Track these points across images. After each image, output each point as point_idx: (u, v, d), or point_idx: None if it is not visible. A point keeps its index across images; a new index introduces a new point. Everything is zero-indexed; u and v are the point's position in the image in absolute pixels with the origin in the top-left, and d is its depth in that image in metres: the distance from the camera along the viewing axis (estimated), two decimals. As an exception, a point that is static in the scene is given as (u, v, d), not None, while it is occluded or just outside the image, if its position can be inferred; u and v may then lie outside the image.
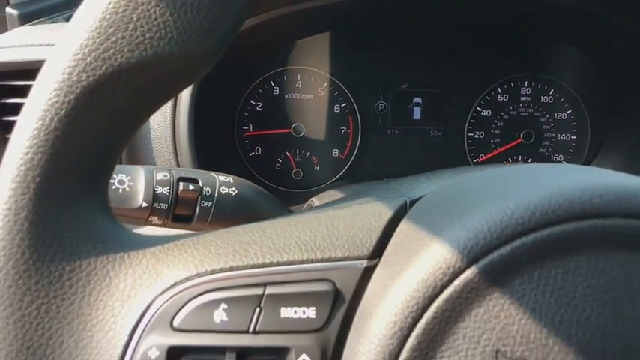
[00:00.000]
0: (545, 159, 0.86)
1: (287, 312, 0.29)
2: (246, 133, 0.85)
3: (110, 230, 0.31)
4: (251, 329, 0.29)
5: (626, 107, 0.79)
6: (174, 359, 0.29)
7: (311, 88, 0.85)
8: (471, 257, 0.27)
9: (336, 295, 0.30)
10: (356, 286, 0.30)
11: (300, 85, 0.84)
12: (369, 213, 0.34)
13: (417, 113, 0.86)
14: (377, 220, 0.32)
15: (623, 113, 0.80)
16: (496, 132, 0.87)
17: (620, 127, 0.81)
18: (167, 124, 0.67)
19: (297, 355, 0.29)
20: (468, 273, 0.27)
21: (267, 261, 0.30)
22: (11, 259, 0.28)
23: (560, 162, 0.86)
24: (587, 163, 0.85)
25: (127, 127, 0.31)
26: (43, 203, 0.28)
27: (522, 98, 0.86)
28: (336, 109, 0.85)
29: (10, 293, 0.28)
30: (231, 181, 0.49)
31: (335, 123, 0.85)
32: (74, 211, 0.29)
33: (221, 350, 0.29)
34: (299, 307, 0.29)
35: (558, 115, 0.86)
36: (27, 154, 0.28)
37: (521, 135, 0.85)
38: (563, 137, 0.86)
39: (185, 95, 0.66)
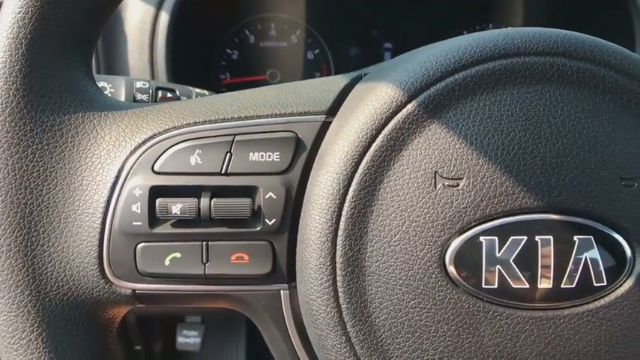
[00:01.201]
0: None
1: (254, 156, 0.33)
2: (224, 81, 0.88)
3: (96, 94, 0.35)
4: (223, 171, 0.33)
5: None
6: (156, 198, 0.33)
7: (285, 36, 0.88)
8: (411, 93, 0.32)
9: (298, 143, 0.34)
10: (315, 136, 0.34)
11: (274, 33, 0.88)
12: (329, 80, 0.38)
13: (387, 58, 0.90)
14: (335, 84, 0.36)
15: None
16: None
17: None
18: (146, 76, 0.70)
19: (265, 194, 0.33)
20: (409, 107, 0.31)
21: (237, 116, 0.34)
22: (7, 107, 0.31)
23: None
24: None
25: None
26: (34, 59, 0.32)
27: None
28: (310, 55, 0.89)
29: (7, 138, 0.31)
30: (207, 93, 0.53)
31: (309, 69, 0.89)
32: (63, 71, 0.33)
33: (197, 190, 0.33)
34: (265, 152, 0.33)
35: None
36: (19, 12, 0.31)
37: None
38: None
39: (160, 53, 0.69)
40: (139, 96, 0.49)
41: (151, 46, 0.68)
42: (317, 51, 0.89)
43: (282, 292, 0.34)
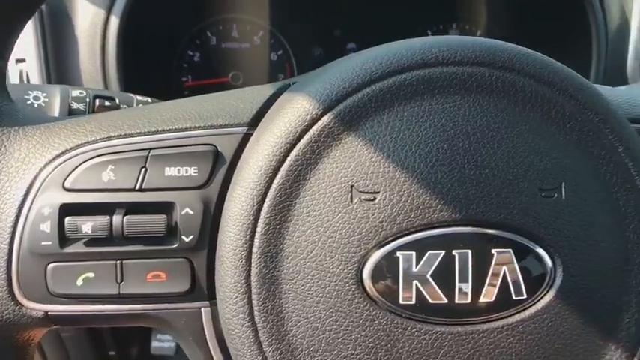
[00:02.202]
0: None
1: (171, 171, 0.32)
2: (186, 84, 0.87)
3: (6, 107, 0.33)
4: (137, 187, 0.32)
5: (546, 44, 0.84)
6: (66, 216, 0.32)
7: (247, 37, 0.87)
8: (326, 105, 0.31)
9: (217, 156, 0.33)
10: (236, 149, 0.33)
11: (236, 35, 0.87)
12: (255, 90, 0.37)
13: (351, 58, 0.90)
14: (259, 95, 0.35)
15: (542, 50, 0.84)
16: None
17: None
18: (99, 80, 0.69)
19: (182, 209, 0.32)
20: (325, 119, 0.31)
21: (153, 129, 0.33)
22: None
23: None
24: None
25: (22, 9, 0.33)
26: None
27: (451, 40, 0.90)
28: (273, 56, 0.88)
29: None
30: (150, 100, 0.52)
31: (273, 70, 0.88)
32: None
33: (110, 207, 0.32)
34: (182, 166, 0.33)
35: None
36: None
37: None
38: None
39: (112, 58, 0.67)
40: (75, 105, 0.47)
41: (102, 52, 0.67)
42: (280, 52, 0.88)
43: (203, 309, 0.33)
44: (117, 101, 0.49)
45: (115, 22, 0.66)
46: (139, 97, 0.51)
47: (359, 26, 0.89)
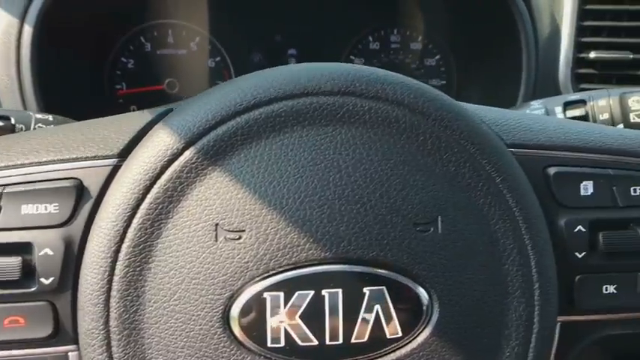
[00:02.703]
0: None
1: (28, 209, 0.30)
2: (120, 92, 0.84)
3: None
4: (-9, 227, 0.30)
5: (481, 50, 0.83)
6: None
7: (183, 43, 0.85)
8: (188, 139, 0.29)
9: (81, 191, 0.31)
10: (103, 183, 0.31)
11: (171, 41, 0.84)
12: (131, 117, 0.35)
13: (292, 64, 0.88)
14: (133, 123, 0.34)
15: (478, 56, 0.84)
16: (370, 80, 0.89)
17: (480, 67, 0.85)
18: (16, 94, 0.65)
19: (40, 250, 0.30)
20: (187, 154, 0.29)
21: (9, 164, 0.31)
22: None
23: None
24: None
25: None
26: None
27: (393, 46, 0.89)
28: (211, 63, 0.86)
29: None
30: (50, 119, 0.49)
31: (210, 77, 0.86)
32: None
33: None
34: (40, 203, 0.30)
35: (428, 61, 0.90)
36: None
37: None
38: (434, 82, 0.90)
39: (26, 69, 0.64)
40: (-36, 127, 0.45)
41: (17, 64, 0.64)
42: (218, 58, 0.86)
43: (70, 354, 0.31)
44: (12, 121, 0.47)
45: (28, 31, 0.63)
46: (39, 116, 0.49)
47: (300, 31, 0.87)
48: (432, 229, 0.30)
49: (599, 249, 0.33)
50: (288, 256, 0.29)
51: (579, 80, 0.77)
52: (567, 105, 0.53)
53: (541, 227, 0.31)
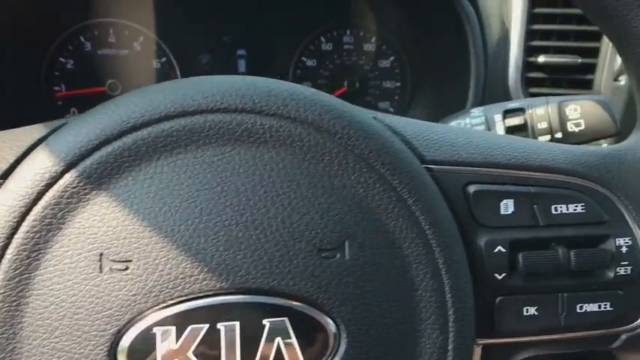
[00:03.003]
0: (372, 106, 0.88)
1: None
2: (59, 94, 0.80)
3: None
4: None
5: (432, 53, 0.82)
6: None
7: (126, 43, 0.81)
8: (69, 160, 0.27)
9: None
10: None
11: (113, 40, 0.81)
12: (21, 133, 0.32)
13: (242, 65, 0.85)
14: (22, 139, 0.31)
15: (431, 58, 0.83)
16: (322, 82, 0.87)
17: (430, 70, 0.84)
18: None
19: None
20: (67, 177, 0.26)
21: None
22: None
23: (387, 109, 0.89)
24: (408, 107, 0.88)
25: None
26: None
27: (346, 47, 0.87)
28: (156, 64, 0.83)
29: None
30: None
31: (155, 79, 0.83)
32: None
33: None
34: None
35: (381, 62, 0.88)
36: None
37: (345, 84, 0.87)
38: (388, 84, 0.89)
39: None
40: None
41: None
42: (163, 59, 0.83)
43: None
44: None
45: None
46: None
47: (250, 32, 0.84)
48: (338, 255, 0.28)
49: (519, 270, 0.32)
50: (179, 288, 0.27)
51: (529, 84, 0.76)
52: (507, 113, 0.51)
53: (456, 250, 0.30)
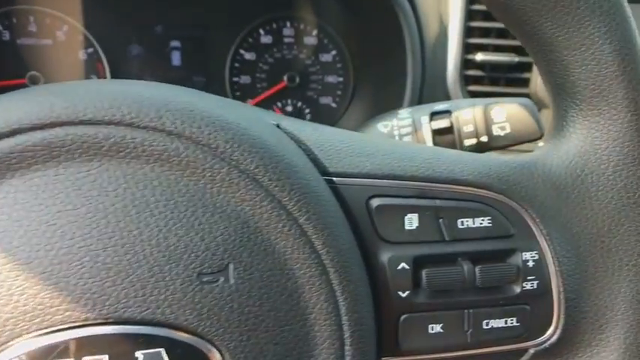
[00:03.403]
0: (313, 102, 0.86)
1: None
2: (-26, 86, 0.75)
3: None
4: None
5: (372, 49, 0.80)
6: None
7: (49, 33, 0.76)
8: None
9: None
10: None
11: (34, 29, 0.75)
12: None
13: (176, 58, 0.81)
14: None
15: (372, 53, 0.81)
16: (262, 76, 0.85)
17: (371, 66, 0.82)
18: None
19: None
20: None
21: None
22: None
23: (330, 105, 0.87)
24: (350, 102, 0.86)
25: None
26: None
27: (286, 40, 0.84)
28: (82, 55, 0.78)
29: None
30: None
31: (81, 71, 0.78)
32: None
33: None
34: None
35: (323, 56, 0.86)
36: None
37: (285, 78, 0.84)
38: (330, 79, 0.86)
39: None
40: None
41: None
42: (90, 50, 0.78)
43: None
44: None
45: None
46: None
47: (184, 22, 0.81)
48: (221, 279, 0.26)
49: (423, 287, 0.31)
50: (38, 320, 0.24)
51: (468, 82, 0.76)
52: (434, 115, 0.50)
53: (354, 270, 0.28)
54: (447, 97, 0.75)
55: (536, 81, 0.74)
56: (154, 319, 0.25)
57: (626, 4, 0.32)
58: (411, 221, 0.31)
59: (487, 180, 0.32)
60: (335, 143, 0.32)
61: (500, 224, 0.32)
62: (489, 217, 0.32)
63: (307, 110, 0.86)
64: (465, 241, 0.31)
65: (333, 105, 0.87)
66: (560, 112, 0.35)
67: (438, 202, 0.31)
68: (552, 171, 0.33)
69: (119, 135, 0.25)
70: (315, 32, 0.85)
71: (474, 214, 0.31)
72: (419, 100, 0.73)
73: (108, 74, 0.78)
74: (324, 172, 0.30)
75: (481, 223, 0.31)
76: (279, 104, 0.86)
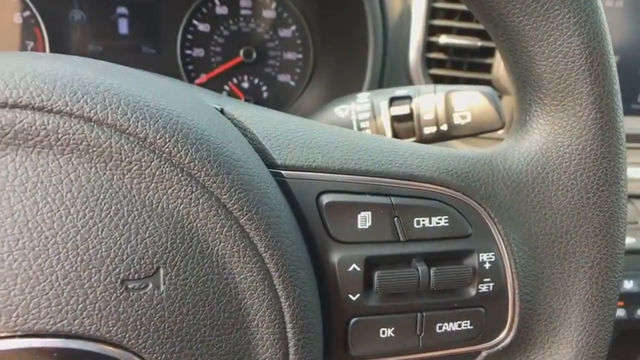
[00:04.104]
0: (271, 79, 0.83)
1: None
2: None
3: None
4: None
5: (333, 27, 0.77)
6: None
7: (-23, -9, 0.69)
8: None
9: None
10: None
11: (-40, -13, 0.68)
12: None
13: (123, 26, 0.76)
14: None
15: (333, 31, 0.78)
16: (217, 49, 0.80)
17: (332, 44, 0.79)
18: None
19: None
20: None
21: None
22: None
23: (288, 82, 0.83)
24: (309, 81, 0.83)
25: None
26: None
27: (243, 12, 0.80)
28: (17, 18, 0.71)
29: None
30: None
31: (16, 36, 0.71)
32: None
33: None
34: None
35: (282, 31, 0.82)
36: None
37: (242, 52, 0.80)
38: (289, 56, 0.83)
39: None
40: None
41: None
42: (27, 13, 0.71)
43: None
44: None
45: None
46: None
47: (132, -13, 0.75)
48: (150, 285, 0.23)
49: (375, 289, 0.29)
50: None
51: (430, 65, 0.74)
52: (393, 100, 0.48)
53: (301, 273, 0.26)
54: (408, 79, 0.73)
55: (499, 67, 0.73)
56: (70, 331, 0.22)
57: (596, -6, 0.30)
58: (364, 220, 0.29)
59: (446, 176, 0.30)
60: (285, 132, 0.29)
61: (457, 224, 0.30)
62: (447, 216, 0.30)
63: (264, 88, 0.83)
64: (420, 241, 0.29)
65: (292, 83, 0.83)
66: (524, 106, 0.33)
67: (393, 200, 0.29)
68: (513, 168, 0.32)
69: (27, 120, 0.21)
70: (274, 5, 0.80)
71: (431, 212, 0.30)
72: (380, 81, 0.71)
73: (46, 41, 0.72)
74: (271, 164, 0.28)
75: (438, 223, 0.30)
76: (235, 80, 0.82)
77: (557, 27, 0.29)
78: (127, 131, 0.22)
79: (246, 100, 0.82)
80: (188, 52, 0.79)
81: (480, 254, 0.30)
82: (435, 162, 0.31)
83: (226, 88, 0.81)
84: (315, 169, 0.28)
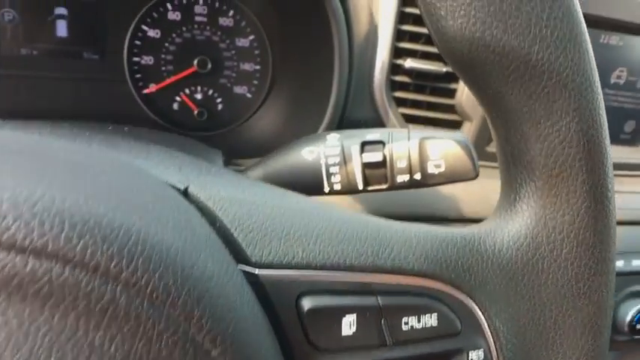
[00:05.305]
0: (227, 90, 0.77)
1: None
2: None
3: None
4: None
5: (294, 36, 0.73)
6: None
7: None
8: None
9: None
10: None
11: None
12: None
13: (61, 28, 0.68)
14: None
15: (294, 44, 0.74)
16: (168, 57, 0.74)
17: (293, 57, 0.75)
18: None
19: None
20: None
21: None
22: None
23: (245, 95, 0.79)
24: (268, 94, 0.78)
25: None
26: None
27: (197, 19, 0.74)
28: None
29: None
30: None
31: None
32: None
33: None
34: None
35: (240, 41, 0.77)
36: None
37: (195, 62, 0.74)
38: (246, 67, 0.78)
39: None
40: None
41: None
42: (-55, 9, 0.62)
43: None
44: None
45: None
46: None
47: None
48: None
49: None
50: None
51: (394, 88, 0.72)
52: (365, 145, 0.45)
53: None
54: (372, 100, 0.70)
55: (463, 92, 0.72)
56: None
57: (596, 79, 0.28)
58: (349, 324, 0.26)
59: (435, 267, 0.28)
60: (259, 220, 0.25)
61: (447, 322, 0.28)
62: (436, 314, 0.27)
63: (219, 99, 0.77)
64: (407, 344, 0.27)
65: (249, 95, 0.79)
66: (513, 184, 0.31)
67: (380, 300, 0.26)
68: (502, 252, 0.30)
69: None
70: (231, 13, 0.75)
71: (419, 311, 0.27)
72: (345, 100, 0.67)
73: (-30, 43, 0.63)
74: (244, 260, 0.24)
75: (427, 323, 0.27)
76: (187, 91, 0.76)
77: (556, 111, 0.27)
78: (74, 261, 0.18)
79: (199, 113, 0.76)
80: (136, 59, 0.72)
81: (470, 352, 0.28)
82: (423, 249, 0.28)
83: (178, 99, 0.76)
84: (295, 265, 0.25)
